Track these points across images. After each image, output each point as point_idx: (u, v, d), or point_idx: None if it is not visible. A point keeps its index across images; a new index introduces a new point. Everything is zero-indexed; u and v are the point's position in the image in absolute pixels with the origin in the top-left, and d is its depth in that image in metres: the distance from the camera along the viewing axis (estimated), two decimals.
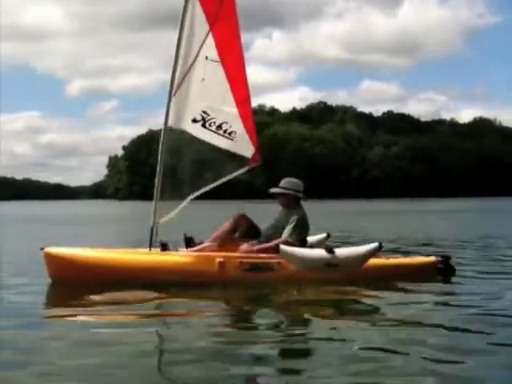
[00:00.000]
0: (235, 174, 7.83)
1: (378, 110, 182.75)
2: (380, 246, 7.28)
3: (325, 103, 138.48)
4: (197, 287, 6.93)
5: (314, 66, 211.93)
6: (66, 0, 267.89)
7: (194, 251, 7.43)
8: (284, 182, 7.83)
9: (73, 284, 7.02)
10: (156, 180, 7.68)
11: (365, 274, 7.31)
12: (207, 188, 7.76)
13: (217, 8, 7.62)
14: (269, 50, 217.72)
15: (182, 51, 7.62)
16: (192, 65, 7.61)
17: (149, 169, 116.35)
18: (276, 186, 7.85)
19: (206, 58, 7.64)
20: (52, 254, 7.14)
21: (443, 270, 7.74)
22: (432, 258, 7.88)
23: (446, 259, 7.82)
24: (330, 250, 7.16)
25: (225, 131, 7.75)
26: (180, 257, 7.32)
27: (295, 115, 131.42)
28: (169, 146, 7.93)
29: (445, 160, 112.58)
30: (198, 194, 7.77)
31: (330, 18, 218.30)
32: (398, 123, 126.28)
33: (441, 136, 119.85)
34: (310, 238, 8.06)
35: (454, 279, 7.62)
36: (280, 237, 7.45)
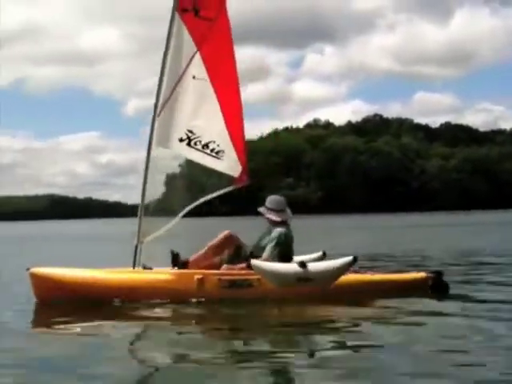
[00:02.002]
0: (220, 192, 7.86)
1: (434, 122, 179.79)
2: (354, 260, 7.15)
3: (380, 116, 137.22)
4: (177, 304, 6.99)
5: (365, 79, 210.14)
6: (122, 22, 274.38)
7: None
8: (268, 202, 7.80)
9: (56, 303, 7.14)
10: (140, 199, 7.72)
11: (347, 289, 7.24)
12: (192, 206, 7.80)
13: (205, 30, 7.69)
14: (320, 65, 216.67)
15: (167, 72, 7.70)
16: (177, 84, 7.68)
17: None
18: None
19: (194, 77, 7.71)
20: (36, 274, 7.29)
21: (435, 287, 7.51)
22: (422, 274, 7.66)
23: (437, 275, 7.58)
24: (303, 265, 7.07)
25: (212, 150, 7.77)
26: (159, 274, 7.38)
27: (350, 128, 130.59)
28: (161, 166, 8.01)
29: (505, 171, 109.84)
30: (184, 212, 7.81)
31: (381, 30, 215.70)
32: (455, 134, 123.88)
33: (501, 146, 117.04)
34: (305, 257, 8.01)
35: (445, 297, 7.41)
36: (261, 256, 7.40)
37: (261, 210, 7.76)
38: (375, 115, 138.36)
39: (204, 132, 7.76)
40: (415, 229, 32.31)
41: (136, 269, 7.56)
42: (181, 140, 7.76)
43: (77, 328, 6.18)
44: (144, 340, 5.79)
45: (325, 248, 8.34)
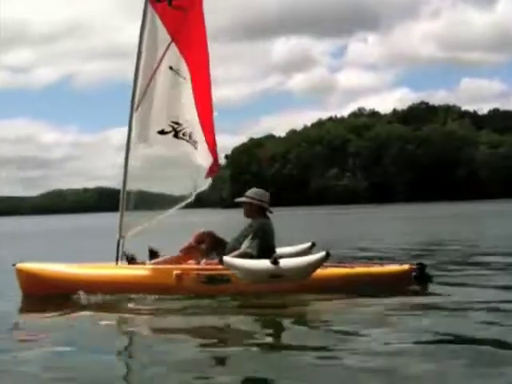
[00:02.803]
0: (198, 190, 7.84)
1: (482, 108, 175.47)
2: (327, 255, 6.99)
3: (427, 103, 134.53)
4: (155, 300, 6.96)
5: (410, 67, 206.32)
6: None
7: (158, 263, 7.45)
8: (249, 192, 7.66)
9: (40, 298, 7.25)
10: (121, 194, 7.66)
11: (329, 282, 7.11)
12: (177, 207, 7.74)
13: (179, 20, 7.61)
14: (364, 54, 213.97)
15: (142, 64, 7.62)
16: (153, 76, 7.61)
17: (250, 177, 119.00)
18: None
19: (171, 68, 7.63)
20: (22, 269, 7.42)
21: (418, 279, 7.35)
22: (405, 267, 7.46)
23: (421, 267, 7.40)
24: (275, 261, 6.93)
25: (194, 141, 7.70)
26: (139, 270, 7.34)
27: (396, 116, 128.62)
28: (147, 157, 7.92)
29: None
30: (172, 209, 7.74)
31: (425, 17, 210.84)
32: (504, 121, 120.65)
33: None
34: (293, 248, 7.90)
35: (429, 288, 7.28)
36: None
37: (252, 200, 7.60)
38: (421, 103, 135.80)
39: (187, 123, 7.68)
40: (463, 218, 31.46)
41: (119, 264, 7.54)
42: (162, 132, 7.65)
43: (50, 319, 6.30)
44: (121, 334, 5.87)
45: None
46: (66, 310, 6.70)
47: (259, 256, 7.18)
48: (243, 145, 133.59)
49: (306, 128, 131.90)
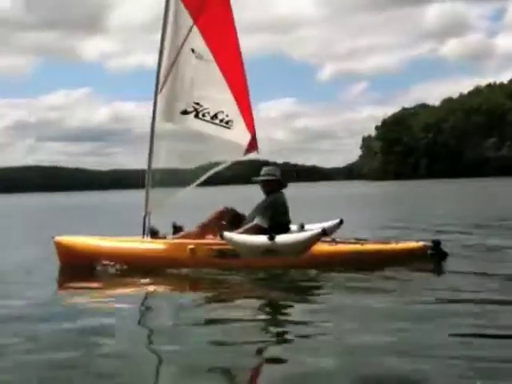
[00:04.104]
0: (230, 162, 8.04)
1: None
2: (323, 233, 6.98)
3: None
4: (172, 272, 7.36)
5: None
6: None
7: (178, 238, 7.79)
8: (263, 171, 7.85)
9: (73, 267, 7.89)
10: (147, 171, 8.04)
11: (345, 259, 7.19)
12: (204, 177, 7.98)
13: (201, 2, 7.80)
14: None
15: (166, 47, 7.91)
16: (177, 58, 7.87)
17: (402, 148, 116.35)
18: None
19: (193, 50, 7.85)
20: (59, 242, 8.09)
21: (435, 256, 7.34)
22: (419, 244, 7.42)
23: (436, 244, 7.36)
24: (271, 237, 7.05)
25: (221, 120, 7.91)
26: (157, 244, 7.73)
27: None
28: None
29: None
30: (197, 182, 8.02)
31: None
32: None
33: None
34: (321, 225, 7.95)
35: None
36: None
37: (271, 177, 7.80)
38: None
39: (212, 103, 7.90)
40: None
41: (145, 238, 7.97)
42: (185, 112, 7.94)
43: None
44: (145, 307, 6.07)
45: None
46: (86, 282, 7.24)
47: (273, 229, 7.34)
48: (394, 115, 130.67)
49: (462, 96, 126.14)
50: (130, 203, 19.08)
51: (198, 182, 8.05)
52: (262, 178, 7.85)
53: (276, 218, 7.54)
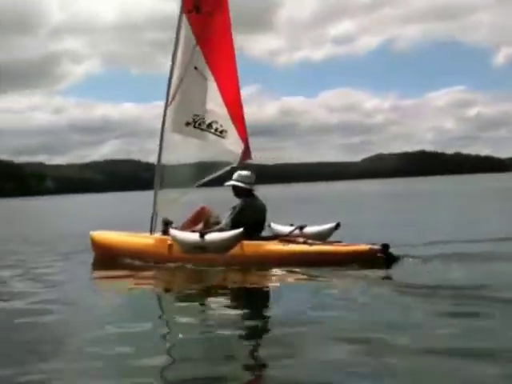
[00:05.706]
0: (226, 168, 8.83)
1: None
2: (242, 232, 7.63)
3: None
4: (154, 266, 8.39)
5: None
6: None
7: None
8: (235, 175, 8.49)
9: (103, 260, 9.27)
10: (156, 174, 9.09)
11: (294, 259, 7.57)
12: (204, 180, 8.90)
13: (204, 24, 8.73)
14: None
15: (177, 65, 8.92)
16: (184, 76, 8.86)
17: None
18: None
19: (196, 68, 8.82)
20: (94, 237, 9.54)
21: (385, 260, 7.45)
22: (367, 247, 7.54)
23: (384, 248, 7.47)
24: (201, 235, 7.86)
25: (216, 130, 8.81)
26: (145, 239, 8.87)
27: None
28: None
29: None
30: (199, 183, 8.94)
31: None
32: None
33: None
34: (319, 227, 8.51)
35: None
36: None
37: (232, 182, 8.45)
38: None
39: (207, 114, 8.79)
40: None
41: (152, 235, 8.96)
42: (187, 124, 8.88)
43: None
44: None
45: None
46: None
47: (246, 230, 7.78)
48: None
49: None
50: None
51: (204, 180, 8.90)
52: (228, 183, 8.50)
53: (244, 220, 8.04)
